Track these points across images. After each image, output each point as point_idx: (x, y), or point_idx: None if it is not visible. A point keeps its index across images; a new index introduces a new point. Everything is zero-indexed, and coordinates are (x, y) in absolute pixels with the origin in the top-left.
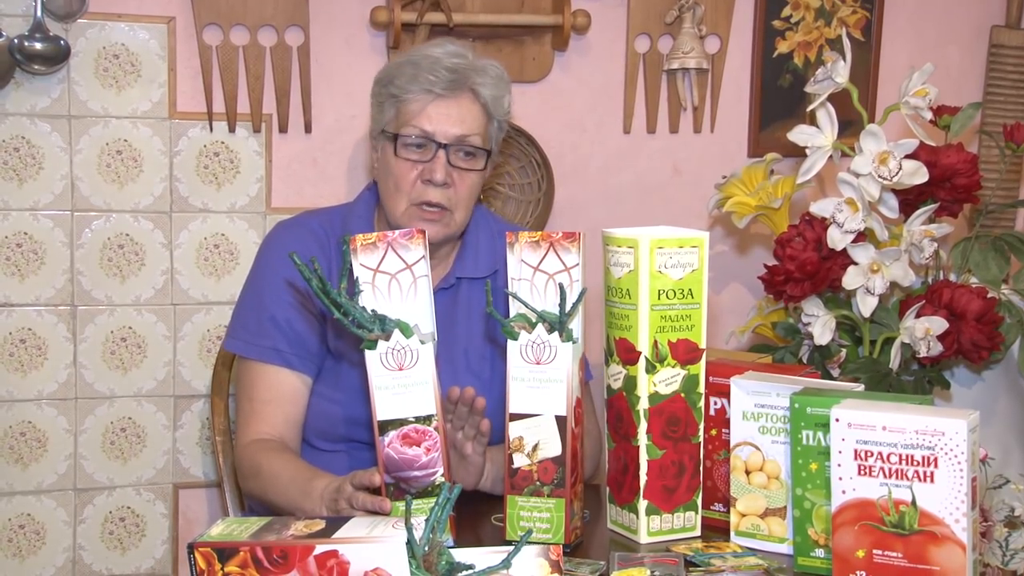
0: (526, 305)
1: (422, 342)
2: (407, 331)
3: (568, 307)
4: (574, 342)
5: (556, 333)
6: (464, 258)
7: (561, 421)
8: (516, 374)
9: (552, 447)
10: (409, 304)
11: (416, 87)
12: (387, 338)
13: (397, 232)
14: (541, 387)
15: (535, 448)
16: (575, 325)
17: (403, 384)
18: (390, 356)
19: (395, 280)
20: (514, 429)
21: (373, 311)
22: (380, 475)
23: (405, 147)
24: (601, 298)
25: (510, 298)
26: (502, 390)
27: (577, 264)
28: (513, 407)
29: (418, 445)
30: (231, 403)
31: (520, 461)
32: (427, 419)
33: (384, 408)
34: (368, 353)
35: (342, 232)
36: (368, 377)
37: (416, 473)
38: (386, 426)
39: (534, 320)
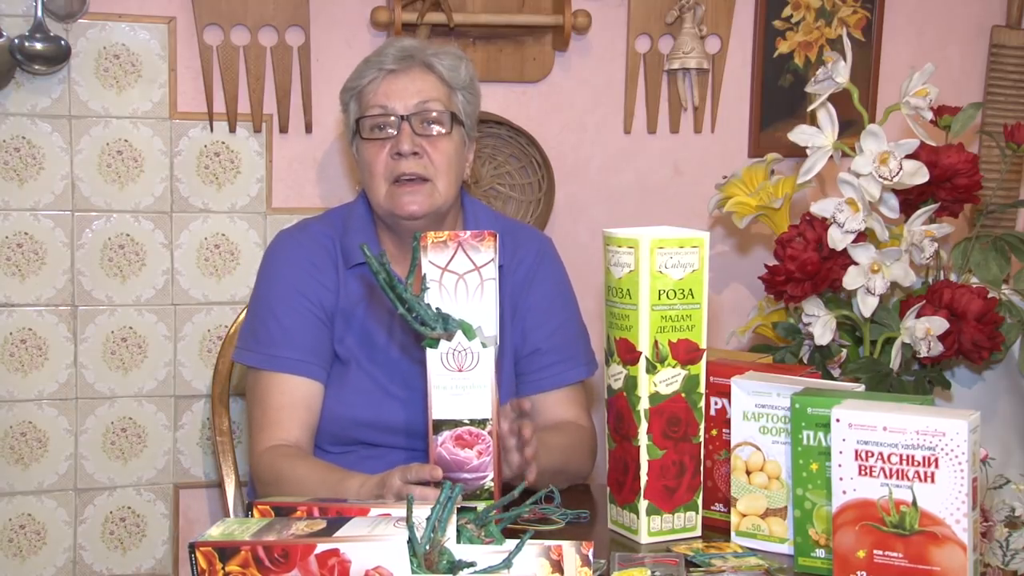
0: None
1: (484, 345)
2: (470, 333)
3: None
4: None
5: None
6: None
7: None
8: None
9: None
10: (474, 305)
11: (368, 71)
12: (449, 338)
13: (468, 232)
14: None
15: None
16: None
17: (461, 385)
18: (451, 357)
19: (463, 280)
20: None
21: (437, 309)
22: (438, 469)
23: (370, 128)
24: (601, 298)
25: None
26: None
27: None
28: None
29: (471, 448)
30: (232, 404)
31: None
32: (482, 423)
33: (440, 407)
34: (429, 351)
35: (343, 236)
36: (427, 375)
37: (466, 475)
38: (440, 425)
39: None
